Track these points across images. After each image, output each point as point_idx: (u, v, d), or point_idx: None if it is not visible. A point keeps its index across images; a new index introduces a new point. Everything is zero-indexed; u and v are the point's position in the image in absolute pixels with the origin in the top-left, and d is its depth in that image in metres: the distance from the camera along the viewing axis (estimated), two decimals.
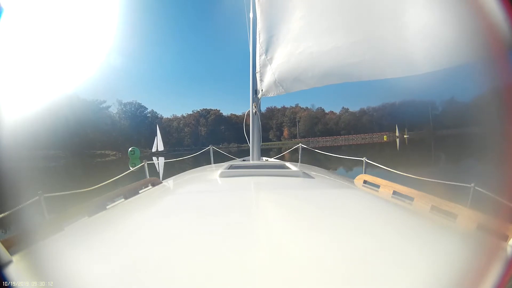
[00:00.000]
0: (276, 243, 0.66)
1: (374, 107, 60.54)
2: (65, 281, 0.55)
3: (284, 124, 65.13)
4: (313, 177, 1.56)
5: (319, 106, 66.16)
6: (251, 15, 2.75)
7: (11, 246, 0.71)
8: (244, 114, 2.98)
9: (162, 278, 0.52)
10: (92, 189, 2.01)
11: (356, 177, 1.85)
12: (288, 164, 1.92)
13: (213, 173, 1.62)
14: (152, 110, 64.79)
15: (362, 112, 62.63)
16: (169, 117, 67.00)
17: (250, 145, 2.92)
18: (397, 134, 48.66)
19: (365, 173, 2.64)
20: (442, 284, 0.51)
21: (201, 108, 67.24)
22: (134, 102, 61.98)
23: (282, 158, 4.28)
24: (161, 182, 1.72)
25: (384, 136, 50.65)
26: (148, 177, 2.22)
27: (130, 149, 40.73)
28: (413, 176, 2.30)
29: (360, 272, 0.53)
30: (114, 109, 59.26)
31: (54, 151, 33.63)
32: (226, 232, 0.74)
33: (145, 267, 0.57)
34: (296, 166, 1.83)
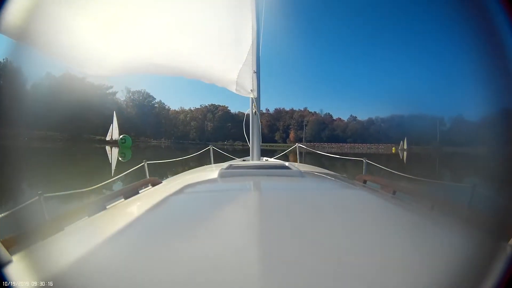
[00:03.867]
0: (276, 244, 0.65)
1: (382, 117, 60.34)
2: (65, 281, 0.55)
3: (291, 126, 65.17)
4: (313, 177, 1.57)
5: (327, 112, 66.14)
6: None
7: (11, 246, 0.71)
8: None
9: (161, 278, 0.53)
10: (92, 189, 2.09)
11: (356, 177, 1.84)
12: (288, 164, 1.93)
13: (212, 173, 1.63)
14: (160, 101, 65.33)
15: (370, 121, 62.57)
16: (176, 109, 67.42)
17: (250, 145, 3.00)
18: (404, 147, 48.06)
19: (365, 173, 2.64)
20: (442, 284, 0.52)
21: (210, 104, 67.60)
22: (142, 91, 62.49)
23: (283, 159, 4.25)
24: (161, 182, 1.74)
25: (393, 148, 50.38)
26: (148, 177, 2.27)
27: (120, 137, 37.28)
28: (413, 176, 2.39)
29: (360, 272, 0.54)
30: (121, 96, 59.75)
31: (52, 132, 33.15)
32: (225, 232, 0.74)
33: (145, 267, 0.57)
34: (296, 166, 1.82)
